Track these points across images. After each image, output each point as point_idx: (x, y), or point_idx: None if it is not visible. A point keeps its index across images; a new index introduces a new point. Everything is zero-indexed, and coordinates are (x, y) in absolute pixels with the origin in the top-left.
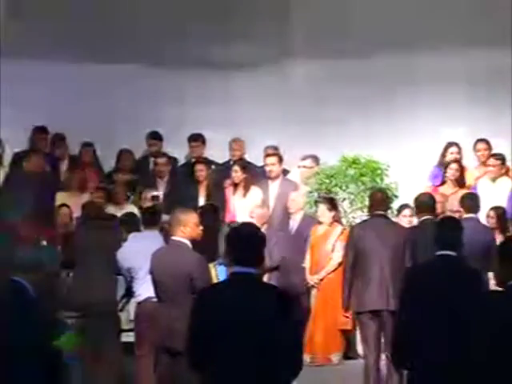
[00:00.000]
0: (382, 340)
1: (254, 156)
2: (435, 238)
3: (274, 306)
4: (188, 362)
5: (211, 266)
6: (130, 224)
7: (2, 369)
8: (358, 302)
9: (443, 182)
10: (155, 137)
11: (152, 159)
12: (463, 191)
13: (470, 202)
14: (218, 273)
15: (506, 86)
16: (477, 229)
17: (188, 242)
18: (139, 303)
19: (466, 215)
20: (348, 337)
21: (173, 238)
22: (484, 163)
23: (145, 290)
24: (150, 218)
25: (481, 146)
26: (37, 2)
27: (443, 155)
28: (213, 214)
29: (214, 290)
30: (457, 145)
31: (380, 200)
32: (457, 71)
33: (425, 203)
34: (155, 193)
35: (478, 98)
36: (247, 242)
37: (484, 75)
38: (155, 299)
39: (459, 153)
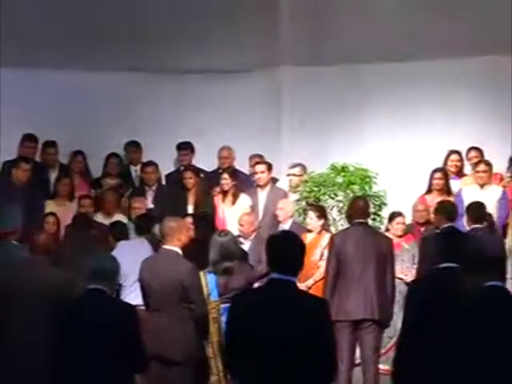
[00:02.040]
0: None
1: (241, 164)
2: (437, 250)
3: (310, 311)
4: (226, 365)
5: (201, 274)
6: (118, 232)
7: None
8: (339, 311)
9: (429, 191)
10: (134, 145)
11: (133, 167)
12: (450, 199)
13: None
14: (208, 281)
15: (502, 93)
16: None
17: (180, 251)
18: None
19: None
20: None
21: (165, 246)
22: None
23: (133, 298)
24: (144, 226)
25: (473, 153)
26: (29, 8)
27: (445, 163)
28: (206, 221)
29: (252, 296)
30: (458, 153)
31: (362, 208)
32: (453, 78)
33: (478, 212)
34: (151, 206)
35: (472, 104)
36: (286, 250)
37: (482, 82)
38: (143, 307)
39: (460, 160)
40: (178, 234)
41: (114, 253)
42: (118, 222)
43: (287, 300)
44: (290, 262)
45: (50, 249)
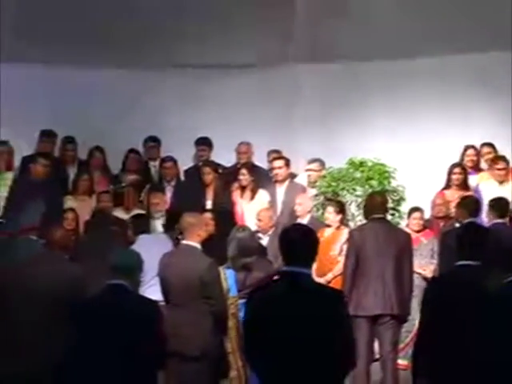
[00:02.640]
0: (376, 344)
1: (259, 159)
2: (457, 247)
3: (327, 304)
4: (246, 360)
5: (220, 269)
6: (140, 225)
7: (120, 369)
8: (358, 306)
9: (448, 186)
10: (152, 140)
11: (152, 163)
12: (468, 194)
13: None
14: (227, 277)
15: None
16: None
17: (199, 246)
18: None
19: None
20: None
21: (184, 242)
22: (491, 166)
23: (151, 293)
24: (171, 222)
25: (486, 149)
26: (44, 5)
27: (461, 158)
28: (226, 217)
29: (267, 290)
30: (474, 147)
31: (379, 203)
32: (469, 73)
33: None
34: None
35: (489, 100)
36: (299, 243)
37: (496, 78)
38: (162, 303)
39: (476, 155)
40: (197, 230)
41: (135, 246)
42: (139, 215)
43: (302, 293)
44: (303, 254)
45: (66, 244)
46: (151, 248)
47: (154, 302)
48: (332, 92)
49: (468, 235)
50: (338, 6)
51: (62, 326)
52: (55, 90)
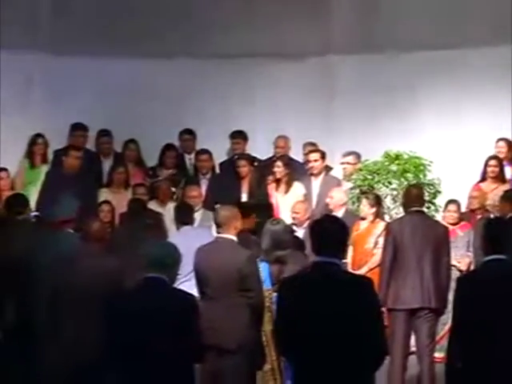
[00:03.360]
0: (413, 338)
1: (295, 152)
2: (484, 242)
3: (359, 293)
4: (278, 350)
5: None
6: (183, 216)
7: (157, 369)
8: (396, 300)
9: (484, 179)
10: (187, 133)
11: (187, 156)
12: (504, 187)
13: None
14: (261, 269)
15: None
16: None
17: (236, 239)
18: None
19: None
20: None
21: (221, 235)
22: None
23: (187, 287)
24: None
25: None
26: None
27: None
28: (266, 211)
29: (298, 279)
30: (505, 140)
31: (416, 196)
32: (504, 64)
33: None
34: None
35: None
36: (330, 233)
37: None
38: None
39: (505, 147)
40: (234, 223)
41: (177, 237)
42: (184, 204)
43: (335, 283)
44: (334, 244)
45: (102, 237)
46: (194, 241)
47: (191, 296)
48: (370, 83)
49: (504, 229)
50: None
51: (99, 321)
52: (88, 83)
